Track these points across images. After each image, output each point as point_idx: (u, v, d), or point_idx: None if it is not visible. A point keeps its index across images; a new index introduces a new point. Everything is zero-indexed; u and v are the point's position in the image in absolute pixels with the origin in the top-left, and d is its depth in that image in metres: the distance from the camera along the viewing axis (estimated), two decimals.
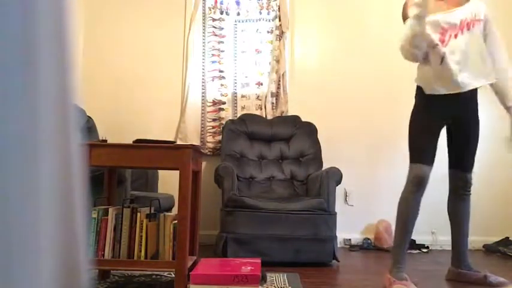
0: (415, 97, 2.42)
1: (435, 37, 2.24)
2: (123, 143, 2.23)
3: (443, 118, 2.39)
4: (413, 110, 2.41)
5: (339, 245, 3.48)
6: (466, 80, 2.27)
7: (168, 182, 3.78)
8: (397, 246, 2.40)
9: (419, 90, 2.39)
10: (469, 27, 2.28)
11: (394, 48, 2.48)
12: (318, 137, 3.76)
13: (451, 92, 2.29)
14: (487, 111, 4.21)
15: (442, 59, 2.22)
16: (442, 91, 2.28)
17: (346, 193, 3.97)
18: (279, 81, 4.11)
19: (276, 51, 4.12)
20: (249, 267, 2.15)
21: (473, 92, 2.38)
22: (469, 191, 2.69)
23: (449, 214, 2.77)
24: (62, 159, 0.54)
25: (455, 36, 2.26)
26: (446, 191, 4.10)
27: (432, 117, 2.36)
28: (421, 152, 2.34)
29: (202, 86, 4.13)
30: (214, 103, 4.13)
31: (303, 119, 3.87)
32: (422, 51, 2.23)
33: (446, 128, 2.48)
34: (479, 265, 3.31)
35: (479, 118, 2.51)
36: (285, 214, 3.01)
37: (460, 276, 2.62)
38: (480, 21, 2.34)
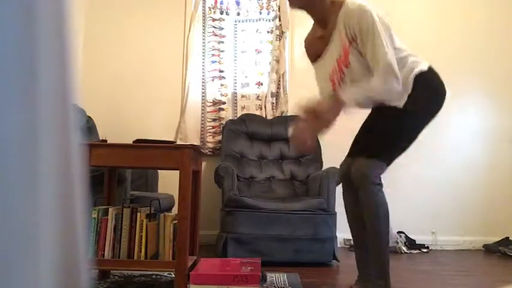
0: None
1: (328, 88, 2.10)
2: (123, 143, 2.23)
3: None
4: None
5: (339, 245, 3.48)
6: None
7: (168, 182, 3.77)
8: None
9: None
10: (346, 63, 2.00)
11: None
12: (318, 137, 3.75)
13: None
14: (487, 112, 4.22)
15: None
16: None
17: None
18: (279, 81, 4.11)
19: (276, 51, 4.12)
20: (249, 267, 2.15)
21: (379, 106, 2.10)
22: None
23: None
24: (62, 159, 0.54)
25: (341, 79, 2.05)
26: (446, 192, 4.11)
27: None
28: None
29: (202, 86, 4.13)
30: (214, 103, 4.13)
31: None
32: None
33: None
34: (479, 265, 3.31)
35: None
36: (285, 214, 3.01)
37: None
38: (350, 46, 1.95)
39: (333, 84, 2.08)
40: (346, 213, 2.14)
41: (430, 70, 2.08)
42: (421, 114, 2.07)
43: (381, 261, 1.96)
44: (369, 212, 1.95)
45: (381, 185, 1.97)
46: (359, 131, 2.19)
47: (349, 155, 2.15)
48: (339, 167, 2.20)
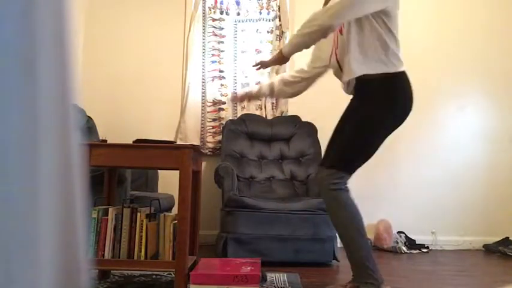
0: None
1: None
2: (123, 143, 2.23)
3: None
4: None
5: (339, 245, 3.48)
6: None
7: (168, 182, 3.77)
8: None
9: None
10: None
11: None
12: (318, 137, 3.76)
13: None
14: (487, 112, 4.22)
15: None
16: None
17: None
18: None
19: (276, 51, 4.12)
20: (249, 267, 2.15)
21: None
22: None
23: None
24: (62, 159, 0.54)
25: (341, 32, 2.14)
26: (446, 192, 4.11)
27: None
28: None
29: (202, 86, 4.13)
30: (214, 103, 4.13)
31: (303, 119, 3.87)
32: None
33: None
34: (479, 265, 3.31)
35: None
36: (285, 214, 3.01)
37: None
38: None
39: (335, 46, 2.14)
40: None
41: (403, 75, 2.04)
42: (382, 124, 2.04)
43: (358, 264, 2.00)
44: (331, 217, 2.06)
45: (340, 189, 2.01)
46: (330, 139, 2.23)
47: (320, 163, 2.22)
48: None
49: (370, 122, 2.02)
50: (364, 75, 1.99)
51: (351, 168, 2.03)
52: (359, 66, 1.98)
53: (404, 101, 2.03)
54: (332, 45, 2.19)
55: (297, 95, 2.44)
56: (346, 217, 1.99)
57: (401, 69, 2.01)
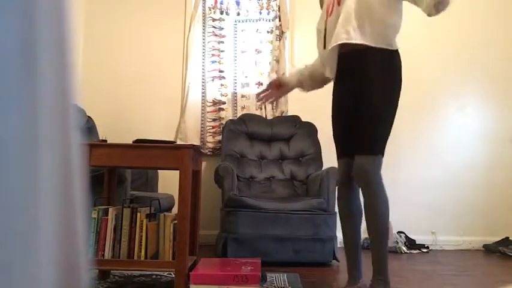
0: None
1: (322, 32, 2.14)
2: (123, 143, 2.23)
3: None
4: None
5: (339, 245, 3.48)
6: None
7: (168, 182, 3.77)
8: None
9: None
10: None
11: None
12: (318, 137, 3.76)
13: None
14: (487, 112, 4.22)
15: None
16: None
17: None
18: None
19: (276, 51, 4.12)
20: (249, 267, 2.15)
21: None
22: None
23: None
24: (62, 159, 0.54)
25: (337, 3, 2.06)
26: (446, 192, 4.11)
27: None
28: None
29: (202, 85, 4.13)
30: (214, 103, 4.13)
31: (303, 119, 3.87)
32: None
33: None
34: (479, 265, 3.31)
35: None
36: (285, 214, 3.01)
37: None
38: None
39: (327, 13, 2.07)
40: (343, 216, 2.12)
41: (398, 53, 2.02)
42: (393, 95, 1.98)
43: (381, 258, 1.96)
44: (373, 211, 1.93)
45: (382, 181, 1.95)
46: (341, 126, 2.10)
47: (344, 154, 2.09)
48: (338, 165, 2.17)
49: (389, 93, 1.96)
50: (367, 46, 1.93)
51: (384, 149, 1.95)
52: (363, 37, 1.92)
53: (401, 76, 2.01)
54: (325, 16, 2.12)
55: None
56: (386, 209, 1.94)
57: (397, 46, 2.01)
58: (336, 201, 2.17)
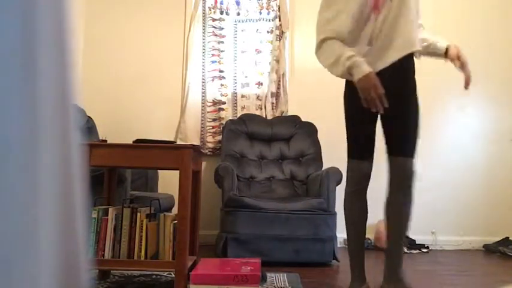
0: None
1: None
2: (123, 143, 2.23)
3: None
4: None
5: (339, 245, 3.48)
6: None
7: (168, 182, 3.78)
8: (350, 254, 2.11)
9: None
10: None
11: None
12: (318, 137, 3.76)
13: None
14: (487, 112, 4.22)
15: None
16: None
17: None
18: (279, 81, 4.11)
19: (276, 51, 4.12)
20: (249, 267, 2.15)
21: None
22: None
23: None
24: (62, 159, 0.54)
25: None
26: (446, 192, 4.11)
27: None
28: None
29: (202, 85, 4.13)
30: (214, 103, 4.13)
31: (303, 119, 3.87)
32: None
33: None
34: (479, 265, 3.31)
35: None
36: (285, 214, 3.01)
37: None
38: None
39: (376, 6, 1.90)
40: (356, 219, 2.07)
41: None
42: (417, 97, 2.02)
43: (402, 258, 1.96)
44: (406, 213, 1.93)
45: None
46: (365, 127, 2.02)
47: (364, 156, 2.03)
48: (349, 168, 2.09)
49: (416, 96, 1.99)
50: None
51: None
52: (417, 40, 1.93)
53: None
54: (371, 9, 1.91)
55: None
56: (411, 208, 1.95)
57: None
58: (345, 203, 2.10)
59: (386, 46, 1.91)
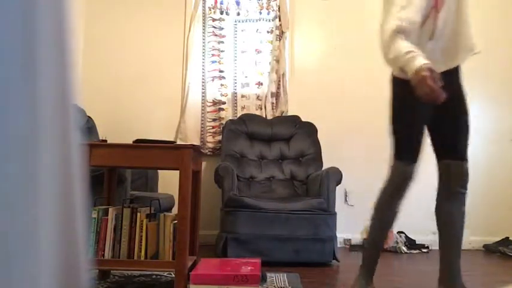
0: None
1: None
2: (123, 143, 2.23)
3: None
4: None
5: (339, 245, 3.48)
6: None
7: (168, 182, 3.78)
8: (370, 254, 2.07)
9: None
10: None
11: None
12: (318, 137, 3.76)
13: None
14: (487, 112, 4.22)
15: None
16: None
17: (346, 193, 3.97)
18: (279, 81, 4.11)
19: (276, 51, 4.12)
20: (249, 267, 2.15)
21: None
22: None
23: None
24: (62, 159, 0.54)
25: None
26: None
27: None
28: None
29: (202, 86, 4.13)
30: (214, 103, 4.13)
31: (303, 119, 3.87)
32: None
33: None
34: (479, 265, 3.31)
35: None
36: (285, 214, 3.01)
37: None
38: None
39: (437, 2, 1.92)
40: (387, 224, 2.05)
41: None
42: None
43: (459, 263, 1.93)
44: (463, 218, 1.95)
45: None
46: (423, 130, 2.02)
47: (416, 159, 2.02)
48: (395, 170, 2.04)
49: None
50: None
51: None
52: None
53: None
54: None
55: None
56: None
57: None
58: (380, 205, 2.05)
59: (450, 48, 1.92)
